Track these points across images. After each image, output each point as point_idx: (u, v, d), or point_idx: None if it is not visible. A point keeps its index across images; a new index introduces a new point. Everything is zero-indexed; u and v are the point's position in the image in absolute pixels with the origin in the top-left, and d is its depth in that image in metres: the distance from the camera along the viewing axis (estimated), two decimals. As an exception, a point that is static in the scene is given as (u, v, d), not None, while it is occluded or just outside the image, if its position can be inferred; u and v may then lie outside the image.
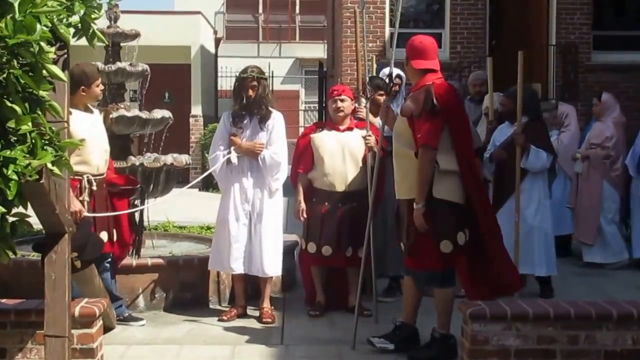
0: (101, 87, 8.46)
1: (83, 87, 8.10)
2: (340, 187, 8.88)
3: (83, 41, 5.56)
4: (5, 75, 4.45)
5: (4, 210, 4.62)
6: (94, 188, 8.03)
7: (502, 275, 7.70)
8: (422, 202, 7.23)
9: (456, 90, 8.40)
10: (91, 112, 8.30)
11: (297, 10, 43.01)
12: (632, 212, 12.06)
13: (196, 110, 26.55)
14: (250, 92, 8.80)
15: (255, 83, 8.81)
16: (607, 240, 11.52)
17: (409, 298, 7.84)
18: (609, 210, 11.58)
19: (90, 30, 5.45)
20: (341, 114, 9.00)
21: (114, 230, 8.34)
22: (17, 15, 4.30)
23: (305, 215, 9.00)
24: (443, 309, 7.53)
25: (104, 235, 8.17)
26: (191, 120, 26.20)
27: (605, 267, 11.46)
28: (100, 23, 6.56)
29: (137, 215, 9.19)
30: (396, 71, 9.61)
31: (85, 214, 7.82)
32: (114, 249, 8.43)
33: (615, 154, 11.47)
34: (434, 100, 7.21)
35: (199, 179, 10.42)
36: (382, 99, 9.53)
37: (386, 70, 9.92)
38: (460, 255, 7.51)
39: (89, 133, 7.65)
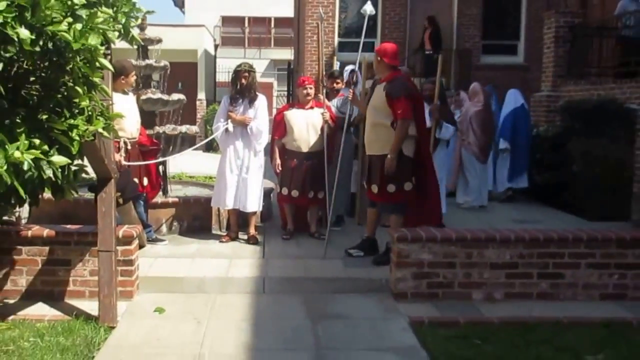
0: (135, 77, 8.41)
1: (123, 76, 8.04)
2: (305, 148, 8.86)
3: (120, 44, 5.54)
4: (70, 65, 4.42)
5: (69, 161, 4.59)
6: (129, 147, 7.98)
7: (432, 212, 8.00)
8: (394, 155, 7.53)
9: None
10: (127, 94, 8.23)
11: (272, 25, 42.75)
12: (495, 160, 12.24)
13: (201, 95, 26.41)
14: (243, 81, 8.76)
15: (246, 74, 8.78)
16: (469, 188, 11.53)
17: (373, 220, 8.11)
18: (467, 167, 11.57)
19: (130, 35, 5.40)
20: (309, 97, 9.00)
21: (145, 178, 8.33)
22: (83, 27, 4.27)
23: (280, 169, 8.98)
24: (395, 227, 7.55)
25: (137, 181, 8.16)
26: (197, 102, 26.04)
27: (467, 208, 11.46)
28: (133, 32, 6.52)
29: (161, 167, 9.23)
30: (353, 67, 10.01)
31: (123, 162, 7.78)
32: (147, 190, 8.43)
33: (464, 128, 11.41)
34: (411, 89, 7.80)
35: (203, 142, 10.34)
36: (337, 86, 9.68)
37: (348, 67, 10.03)
38: (413, 193, 7.77)
39: (126, 109, 7.59)
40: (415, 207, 7.88)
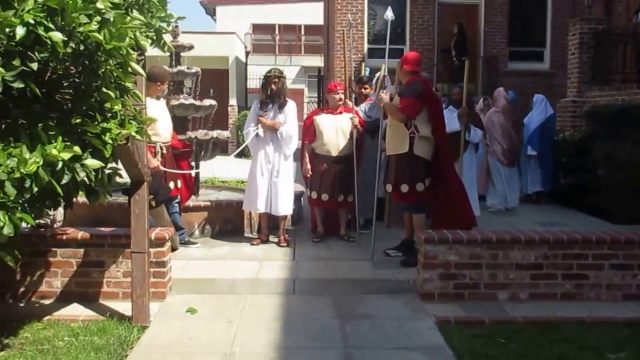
0: (167, 85, 8.52)
1: (159, 82, 8.13)
2: (334, 152, 8.88)
3: (154, 51, 5.59)
4: (103, 69, 4.47)
5: (102, 164, 4.64)
6: (164, 151, 8.06)
7: (463, 214, 8.02)
8: (385, 102, 8.07)
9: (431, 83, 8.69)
10: (158, 100, 8.31)
11: (303, 32, 42.80)
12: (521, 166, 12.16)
13: (232, 101, 26.55)
14: (273, 86, 8.79)
15: (276, 80, 8.81)
16: (496, 192, 11.50)
17: (408, 222, 8.14)
18: (493, 172, 11.55)
19: (162, 41, 5.46)
20: (340, 102, 9.04)
21: (178, 181, 8.39)
22: (113, 28, 4.31)
23: (310, 173, 9.01)
24: (419, 228, 7.67)
25: (171, 184, 8.22)
26: (229, 108, 26.18)
27: (494, 212, 11.39)
28: (166, 38, 6.58)
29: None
30: (385, 73, 9.90)
31: (161, 167, 7.87)
32: (180, 192, 8.49)
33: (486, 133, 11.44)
34: (422, 90, 7.81)
35: (240, 148, 10.29)
36: (366, 92, 9.71)
37: (379, 73, 10.12)
38: (429, 194, 7.87)
39: (159, 114, 7.65)
40: (445, 211, 7.94)
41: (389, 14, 8.98)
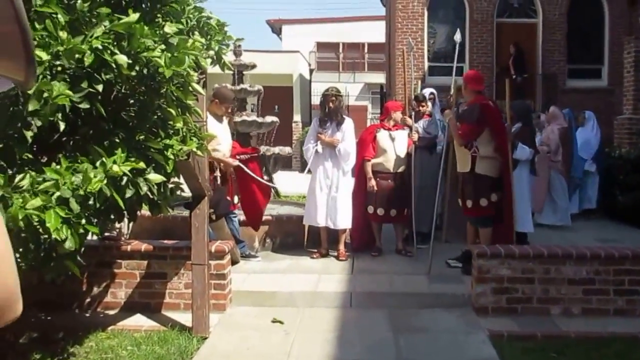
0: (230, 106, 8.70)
1: (225, 103, 8.29)
2: (391, 168, 8.96)
3: (214, 70, 5.73)
4: (164, 90, 4.60)
5: (164, 178, 4.76)
6: (221, 166, 8.21)
7: (504, 231, 8.13)
8: (452, 121, 8.27)
9: (496, 106, 8.79)
10: (221, 118, 8.45)
11: (366, 50, 42.89)
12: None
13: (297, 117, 26.77)
14: (331, 104, 8.91)
15: (334, 98, 8.93)
16: (557, 208, 11.38)
17: (471, 233, 8.36)
18: (556, 188, 11.44)
19: (222, 61, 5.59)
20: (398, 120, 9.15)
21: (235, 197, 8.51)
22: (176, 52, 4.44)
23: (376, 188, 9.03)
24: (484, 241, 7.92)
25: (235, 198, 8.38)
26: (293, 124, 26.40)
27: (552, 227, 11.25)
28: (228, 58, 6.72)
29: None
30: (431, 90, 10.01)
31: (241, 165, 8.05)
32: (257, 197, 8.77)
33: (554, 148, 11.33)
34: (479, 115, 8.02)
35: (307, 168, 10.27)
36: (422, 109, 9.76)
37: (427, 90, 10.15)
38: (493, 208, 8.08)
39: (220, 131, 7.80)
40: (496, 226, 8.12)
41: (458, 37, 9.06)
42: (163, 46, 4.38)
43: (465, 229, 8.47)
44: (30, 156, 4.27)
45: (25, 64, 1.15)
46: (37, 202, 3.89)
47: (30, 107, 3.81)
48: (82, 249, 4.29)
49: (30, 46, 1.13)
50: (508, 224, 8.17)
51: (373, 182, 9.03)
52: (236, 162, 8.11)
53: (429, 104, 9.97)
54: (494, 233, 8.00)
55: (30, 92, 3.73)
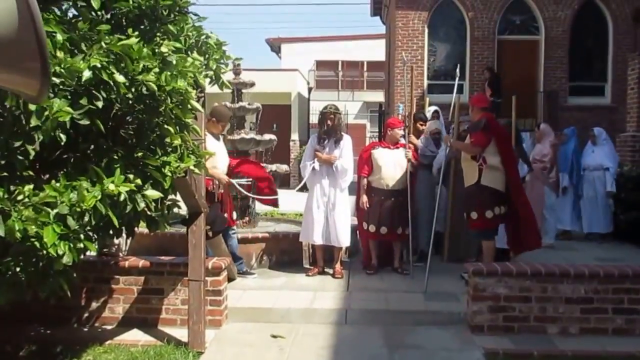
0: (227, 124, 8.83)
1: (222, 121, 8.39)
2: (390, 185, 9.05)
3: (214, 89, 5.82)
4: (163, 107, 4.69)
5: (162, 195, 4.83)
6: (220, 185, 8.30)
7: (527, 236, 8.49)
8: (455, 142, 8.96)
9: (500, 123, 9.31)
10: (218, 136, 8.53)
11: (365, 68, 43.05)
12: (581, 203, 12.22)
13: (294, 136, 26.79)
14: (329, 122, 9.01)
15: (332, 116, 9.02)
16: (546, 226, 11.38)
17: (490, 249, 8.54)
18: (548, 205, 11.48)
19: (220, 80, 5.69)
20: (398, 137, 9.25)
21: (234, 213, 8.61)
22: (174, 71, 4.54)
23: (368, 205, 9.14)
24: (487, 254, 8.26)
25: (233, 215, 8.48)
26: (291, 143, 26.43)
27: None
28: (228, 76, 6.83)
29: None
30: (435, 107, 10.64)
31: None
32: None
33: (549, 166, 11.42)
34: (486, 124, 8.35)
35: (301, 184, 10.28)
36: (421, 127, 9.92)
37: (431, 108, 10.33)
38: (498, 221, 8.42)
39: (217, 149, 7.89)
40: (517, 235, 8.52)
41: (458, 73, 9.55)
42: (158, 68, 4.47)
43: (468, 248, 8.67)
44: (31, 173, 4.36)
45: (41, 77, 1.22)
46: (32, 214, 3.98)
47: (32, 123, 3.91)
48: (78, 265, 4.36)
49: (47, 60, 1.20)
50: (532, 228, 8.55)
51: (365, 199, 9.13)
52: (226, 178, 8.22)
53: (435, 121, 10.21)
54: (521, 240, 8.45)
55: (32, 108, 3.84)
